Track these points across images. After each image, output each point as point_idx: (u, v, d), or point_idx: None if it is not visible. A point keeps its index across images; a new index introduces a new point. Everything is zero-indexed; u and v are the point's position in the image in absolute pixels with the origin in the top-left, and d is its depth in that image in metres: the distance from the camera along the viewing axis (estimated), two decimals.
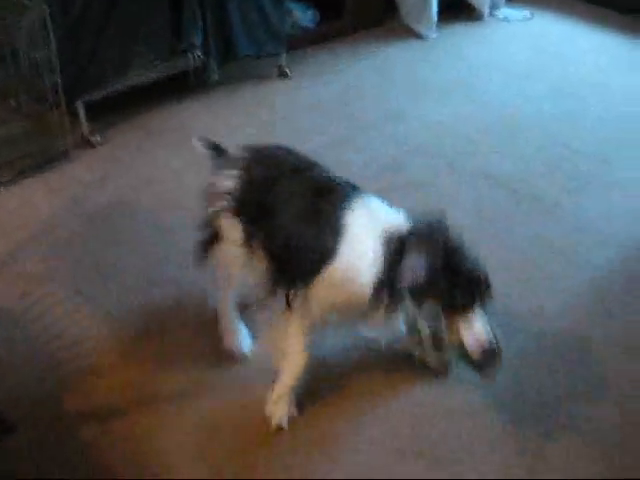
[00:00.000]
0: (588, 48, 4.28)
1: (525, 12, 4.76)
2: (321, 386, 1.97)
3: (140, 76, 3.11)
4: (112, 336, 2.13)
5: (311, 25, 3.97)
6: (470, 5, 4.54)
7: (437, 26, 4.27)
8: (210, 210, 1.92)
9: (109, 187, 2.81)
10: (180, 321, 2.19)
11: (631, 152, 3.20)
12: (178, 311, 2.23)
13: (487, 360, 1.71)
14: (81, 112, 2.99)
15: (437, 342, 1.81)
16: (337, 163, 2.83)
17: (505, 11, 4.73)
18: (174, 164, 2.94)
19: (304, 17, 3.92)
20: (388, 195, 2.65)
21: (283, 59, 3.63)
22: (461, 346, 1.71)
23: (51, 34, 2.68)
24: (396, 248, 1.69)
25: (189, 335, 2.14)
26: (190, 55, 3.18)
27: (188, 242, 2.10)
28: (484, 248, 2.41)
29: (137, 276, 2.35)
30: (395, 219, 1.78)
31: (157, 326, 2.18)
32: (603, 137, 3.32)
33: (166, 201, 2.73)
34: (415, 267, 1.65)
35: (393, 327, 1.84)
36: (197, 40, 3.16)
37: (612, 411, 1.96)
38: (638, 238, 2.65)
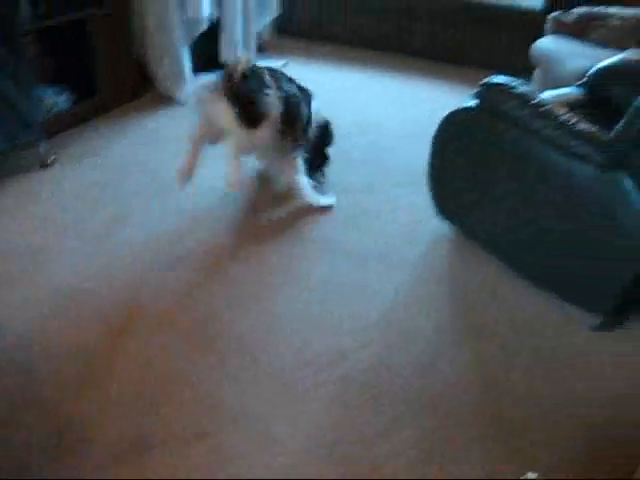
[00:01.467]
0: (341, 86, 4.61)
1: (278, 62, 5.00)
2: None
3: None
4: None
5: (68, 107, 3.87)
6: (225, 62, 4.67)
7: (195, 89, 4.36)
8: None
9: None
10: None
11: (392, 180, 3.47)
12: None
13: None
14: None
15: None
16: (118, 244, 2.86)
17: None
18: None
19: (59, 100, 3.81)
20: (176, 266, 2.69)
21: (43, 147, 3.50)
22: None
23: None
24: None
25: None
26: None
27: None
28: (272, 298, 2.54)
29: None
30: None
31: None
32: (366, 170, 3.57)
33: None
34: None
35: None
36: None
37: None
38: (420, 258, 2.88)
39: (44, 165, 3.50)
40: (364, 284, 2.71)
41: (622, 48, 3.77)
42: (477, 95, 2.70)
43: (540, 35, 4.37)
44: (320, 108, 3.23)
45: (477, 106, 2.69)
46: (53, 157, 3.54)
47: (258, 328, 2.46)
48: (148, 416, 2.11)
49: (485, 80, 2.67)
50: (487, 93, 2.65)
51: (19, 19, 3.22)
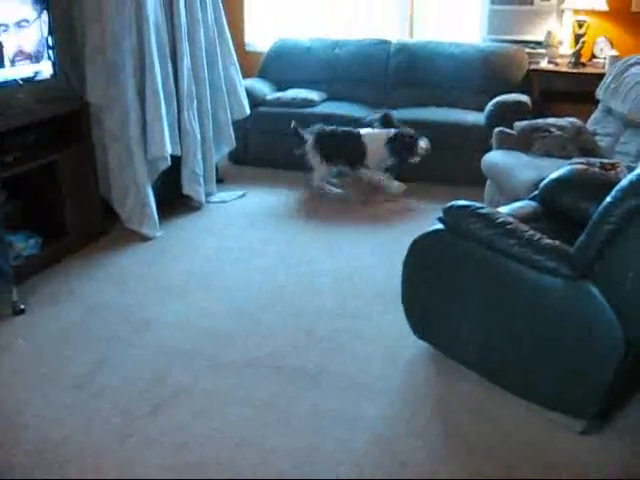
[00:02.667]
0: None
1: (238, 192, 5.16)
2: None
3: None
4: None
5: (37, 251, 3.90)
6: (187, 196, 4.80)
7: (160, 224, 4.44)
8: None
9: None
10: None
11: (363, 301, 3.54)
12: None
13: None
14: None
15: None
16: (101, 391, 2.83)
17: (219, 195, 5.08)
18: None
19: (27, 245, 3.84)
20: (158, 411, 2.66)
21: (15, 294, 3.49)
22: None
23: None
24: None
25: None
26: None
27: None
28: (263, 434, 2.53)
29: None
30: None
31: None
32: (338, 294, 3.64)
33: None
34: None
35: None
36: None
37: None
38: (402, 379, 2.92)
39: (16, 312, 3.48)
40: (351, 413, 2.71)
41: (566, 156, 4.02)
42: (442, 219, 2.82)
43: (488, 149, 4.62)
44: None
45: (443, 229, 2.81)
46: (24, 305, 3.52)
47: (247, 467, 2.43)
48: None
49: (448, 204, 2.81)
50: (451, 216, 2.78)
51: None
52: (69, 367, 3.03)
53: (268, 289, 3.73)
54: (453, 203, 2.79)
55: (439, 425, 2.67)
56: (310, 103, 5.80)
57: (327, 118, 5.44)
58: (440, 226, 2.83)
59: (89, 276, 3.89)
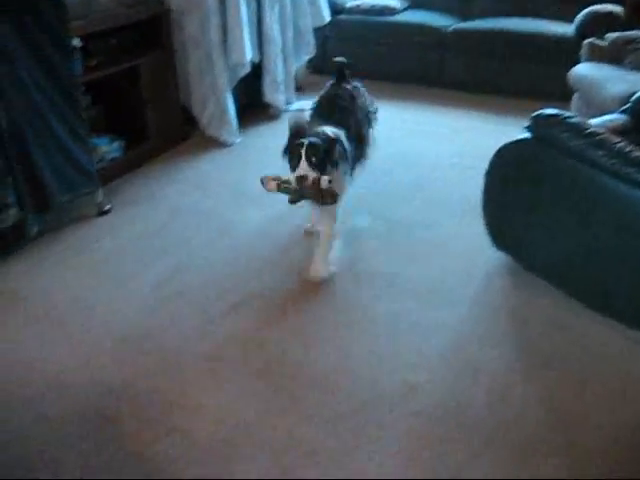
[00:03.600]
0: (379, 121, 4.65)
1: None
2: None
3: None
4: None
5: (120, 155, 3.99)
6: (266, 104, 4.78)
7: (239, 131, 4.46)
8: None
9: None
10: None
11: (442, 211, 3.50)
12: None
13: None
14: None
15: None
16: (180, 291, 2.93)
17: (298, 103, 5.03)
18: (15, 335, 2.78)
19: (111, 149, 3.93)
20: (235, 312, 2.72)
21: (100, 195, 3.59)
22: None
23: None
24: None
25: None
26: (5, 214, 3.08)
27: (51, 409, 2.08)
28: (341, 336, 2.56)
29: None
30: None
31: None
32: (416, 203, 3.61)
33: (16, 375, 2.57)
34: None
35: None
36: (10, 198, 3.07)
37: None
38: (479, 290, 2.91)
39: (101, 213, 3.59)
40: (427, 319, 2.73)
41: None
42: (529, 127, 2.73)
43: (576, 61, 4.42)
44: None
45: (530, 138, 2.72)
46: (109, 205, 3.63)
47: (328, 366, 2.50)
48: (227, 456, 2.15)
49: (537, 112, 2.71)
50: (540, 125, 2.69)
51: (74, 72, 3.34)
52: (150, 267, 3.13)
53: (347, 195, 3.70)
54: (542, 111, 2.69)
55: (515, 336, 2.66)
56: (390, 11, 5.64)
57: (407, 28, 5.28)
58: (526, 135, 2.74)
59: (170, 180, 3.97)
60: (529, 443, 2.16)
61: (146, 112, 4.11)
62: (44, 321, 2.80)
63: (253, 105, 4.77)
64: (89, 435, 2.25)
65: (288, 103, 4.95)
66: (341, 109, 3.24)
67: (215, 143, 4.40)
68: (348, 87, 3.48)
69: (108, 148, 3.91)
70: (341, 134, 2.99)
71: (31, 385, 2.49)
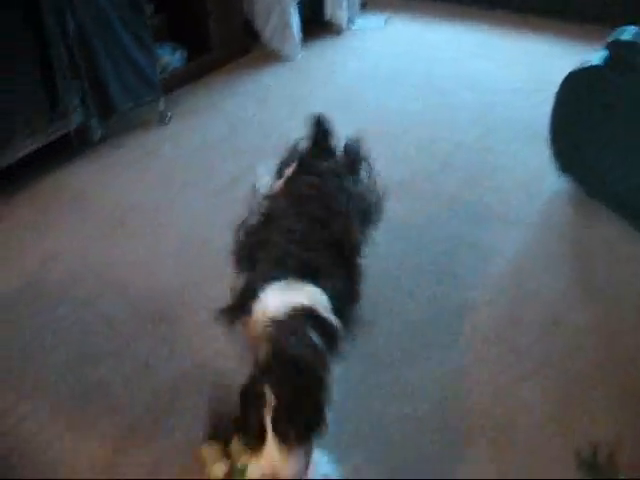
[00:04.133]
0: (443, 42, 4.54)
1: (380, 19, 4.96)
2: None
3: (24, 147, 3.01)
4: None
5: (182, 64, 3.97)
6: (329, 21, 4.68)
7: (301, 45, 4.39)
8: None
9: (14, 269, 2.70)
10: None
11: (505, 135, 3.42)
12: None
13: None
14: None
15: None
16: (238, 198, 2.91)
17: (362, 20, 4.92)
18: (77, 234, 2.86)
19: (173, 59, 3.91)
20: None
21: (162, 104, 3.60)
22: None
23: None
24: None
25: None
26: (70, 117, 3.12)
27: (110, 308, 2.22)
28: (398, 254, 2.57)
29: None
30: None
31: None
32: (478, 126, 3.52)
33: (77, 274, 2.65)
34: None
35: None
36: (75, 101, 3.10)
37: None
38: (540, 215, 2.85)
39: (163, 121, 3.61)
40: (485, 241, 2.70)
41: None
42: (605, 51, 2.62)
43: None
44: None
45: (604, 64, 2.61)
46: (170, 114, 3.64)
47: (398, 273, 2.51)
48: None
49: (614, 37, 2.59)
50: (617, 49, 2.57)
51: None
52: (210, 176, 3.16)
53: (406, 116, 3.65)
54: (619, 37, 2.58)
55: (574, 264, 2.62)
56: None
57: None
58: (599, 61, 2.63)
59: (231, 92, 3.95)
60: (578, 372, 2.15)
61: (209, 23, 4.06)
62: (107, 222, 2.87)
63: (317, 20, 4.66)
64: (145, 334, 2.31)
65: (350, 20, 4.82)
66: (313, 219, 1.93)
67: (276, 57, 4.33)
68: (333, 161, 2.21)
69: (170, 58, 3.90)
70: (320, 304, 1.72)
71: (91, 284, 2.56)
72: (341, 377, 1.74)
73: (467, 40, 4.66)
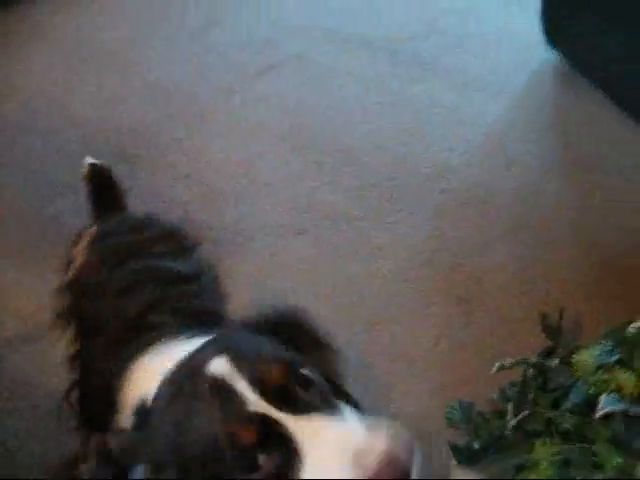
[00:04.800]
0: None
1: None
2: None
3: None
4: None
5: None
6: None
7: None
8: None
9: None
10: None
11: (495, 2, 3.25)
12: None
13: None
14: None
15: None
16: (213, 47, 2.77)
17: None
18: (38, 68, 2.68)
19: None
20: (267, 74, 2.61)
21: None
22: None
23: None
24: None
25: None
26: None
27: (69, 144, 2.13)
28: (373, 113, 2.46)
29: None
30: None
31: None
32: None
33: (36, 108, 2.50)
34: None
35: None
36: None
37: None
38: (526, 88, 2.74)
39: None
40: (466, 107, 2.59)
41: None
42: None
43: None
44: None
45: None
46: None
47: (355, 139, 2.40)
48: (247, 207, 2.12)
49: None
50: None
51: None
52: (180, 20, 2.95)
53: None
54: None
55: (556, 135, 2.54)
56: None
57: None
58: None
59: None
60: (550, 238, 2.12)
61: None
62: (71, 58, 2.70)
63: None
64: None
65: None
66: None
67: None
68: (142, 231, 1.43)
69: None
70: None
71: (52, 118, 2.43)
72: None
73: None
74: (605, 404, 1.27)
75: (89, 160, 1.63)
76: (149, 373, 1.02)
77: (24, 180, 2.20)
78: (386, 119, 2.50)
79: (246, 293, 1.78)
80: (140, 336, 1.15)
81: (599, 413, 1.27)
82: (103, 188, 1.62)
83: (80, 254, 1.39)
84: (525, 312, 1.89)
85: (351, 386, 1.13)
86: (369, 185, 2.21)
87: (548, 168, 2.38)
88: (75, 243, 1.44)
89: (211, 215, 2.12)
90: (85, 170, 1.63)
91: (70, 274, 1.39)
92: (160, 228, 1.43)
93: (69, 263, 1.41)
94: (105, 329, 1.23)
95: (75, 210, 2.08)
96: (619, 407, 1.26)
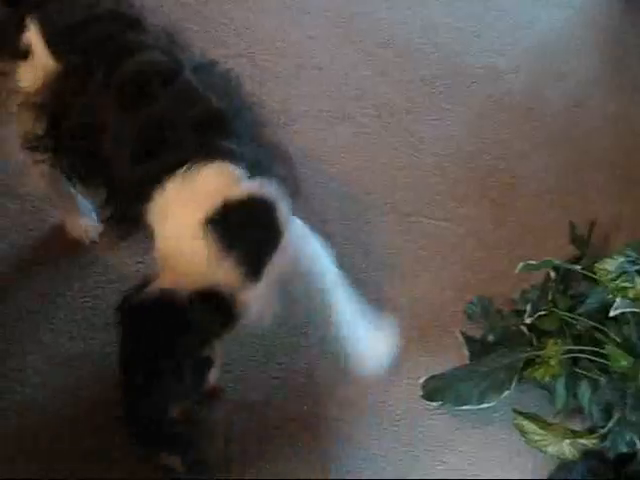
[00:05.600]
0: None
1: None
2: None
3: None
4: None
5: None
6: None
7: None
8: None
9: None
10: None
11: None
12: None
13: None
14: None
15: None
16: None
17: None
18: None
19: None
20: None
21: None
22: None
23: None
24: None
25: None
26: None
27: None
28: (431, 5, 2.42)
29: None
30: None
31: None
32: None
33: None
34: None
35: None
36: None
37: None
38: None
39: None
40: (519, 13, 2.53)
41: None
42: None
43: None
44: None
45: None
46: None
47: (410, 31, 2.36)
48: (295, 89, 2.14)
49: None
50: None
51: None
52: None
53: None
54: None
55: (607, 56, 2.46)
56: None
57: None
58: None
59: None
60: (591, 153, 2.13)
61: None
62: None
63: None
64: None
65: None
66: None
67: None
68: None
69: None
70: None
71: None
72: None
73: None
74: (620, 304, 1.34)
75: None
76: None
77: None
78: (441, 15, 2.46)
79: None
80: None
81: (613, 312, 1.34)
82: None
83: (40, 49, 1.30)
84: (556, 222, 1.93)
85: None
86: (418, 80, 2.21)
87: (596, 85, 2.35)
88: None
89: (259, 94, 2.14)
90: None
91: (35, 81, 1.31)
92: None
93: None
94: None
95: None
96: (635, 309, 1.33)
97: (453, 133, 2.10)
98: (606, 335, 1.37)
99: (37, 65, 1.29)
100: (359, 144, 2.05)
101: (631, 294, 1.33)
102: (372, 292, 1.72)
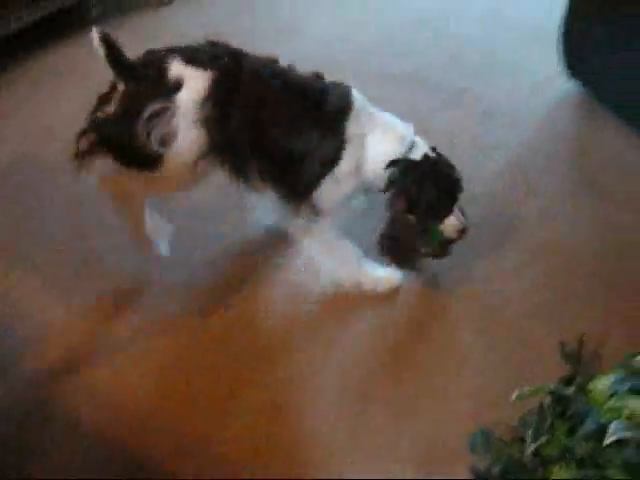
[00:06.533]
0: None
1: None
2: None
3: (19, 19, 2.92)
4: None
5: None
6: None
7: None
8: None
9: (9, 143, 2.66)
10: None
11: (515, 35, 3.33)
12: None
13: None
14: None
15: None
16: None
17: None
18: (73, 109, 2.79)
19: None
20: None
21: None
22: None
23: None
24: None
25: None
26: None
27: None
28: None
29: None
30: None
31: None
32: (488, 22, 3.46)
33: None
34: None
35: None
36: None
37: None
38: (545, 118, 2.79)
39: (164, 2, 3.50)
40: (487, 136, 2.67)
41: None
42: None
43: None
44: None
45: None
46: None
47: None
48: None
49: None
50: None
51: None
52: None
53: (418, 12, 3.53)
54: None
55: (576, 168, 2.62)
56: None
57: None
58: None
59: None
60: (571, 266, 2.17)
61: None
62: None
63: None
64: None
65: None
66: None
67: None
68: None
69: None
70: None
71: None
72: None
73: None
74: (615, 430, 1.31)
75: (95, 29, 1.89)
76: None
77: (60, 219, 2.31)
78: None
79: None
80: None
81: (609, 439, 1.31)
82: (115, 50, 1.91)
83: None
84: (544, 340, 1.93)
85: None
86: None
87: (568, 195, 2.44)
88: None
89: None
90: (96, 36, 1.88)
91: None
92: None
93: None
94: None
95: (110, 246, 2.19)
96: (629, 433, 1.30)
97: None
98: (607, 458, 1.34)
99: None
100: None
101: (625, 413, 1.31)
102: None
